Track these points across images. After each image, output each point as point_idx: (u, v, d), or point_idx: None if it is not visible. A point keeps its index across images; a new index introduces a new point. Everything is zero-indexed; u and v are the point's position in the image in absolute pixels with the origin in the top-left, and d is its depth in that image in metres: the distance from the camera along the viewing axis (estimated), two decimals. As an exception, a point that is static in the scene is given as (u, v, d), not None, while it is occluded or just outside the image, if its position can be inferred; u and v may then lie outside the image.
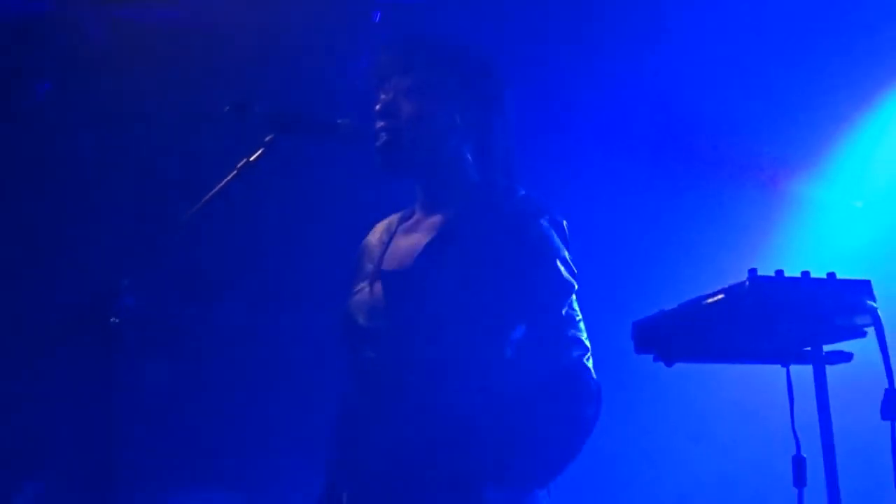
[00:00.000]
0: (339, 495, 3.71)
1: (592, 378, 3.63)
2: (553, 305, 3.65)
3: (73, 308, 3.94)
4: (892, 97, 6.84)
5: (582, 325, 3.70)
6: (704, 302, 3.45)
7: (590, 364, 3.65)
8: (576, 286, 3.69)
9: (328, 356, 4.00)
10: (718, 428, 6.22)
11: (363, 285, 3.80)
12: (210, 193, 3.86)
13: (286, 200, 6.08)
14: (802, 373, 3.48)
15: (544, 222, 3.71)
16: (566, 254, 3.71)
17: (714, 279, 3.51)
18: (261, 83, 5.97)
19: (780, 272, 3.41)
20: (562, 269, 3.68)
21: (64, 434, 5.71)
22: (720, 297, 3.42)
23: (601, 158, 6.77)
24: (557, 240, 3.70)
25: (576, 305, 3.70)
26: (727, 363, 3.73)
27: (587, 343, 3.68)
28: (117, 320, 3.88)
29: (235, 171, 3.91)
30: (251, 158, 3.91)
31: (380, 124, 3.80)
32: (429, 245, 3.71)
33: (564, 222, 3.76)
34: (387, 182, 3.91)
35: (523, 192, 3.79)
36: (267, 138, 3.93)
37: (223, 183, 3.91)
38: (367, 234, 3.99)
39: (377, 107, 3.83)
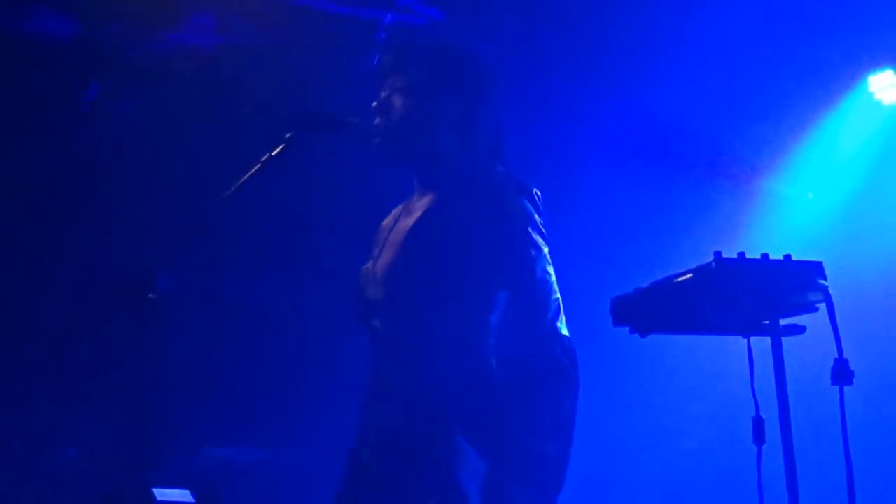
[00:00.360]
0: (361, 452, 3.72)
1: (566, 339, 3.57)
2: (529, 269, 3.58)
3: (117, 285, 3.94)
4: (842, 104, 6.83)
5: (554, 284, 3.62)
6: (675, 280, 3.47)
7: (562, 324, 3.59)
8: (546, 249, 3.64)
9: (347, 329, 3.99)
10: (687, 392, 6.22)
11: (369, 263, 3.81)
12: (237, 183, 3.86)
13: (307, 190, 6.07)
14: (762, 343, 3.49)
15: (518, 194, 3.67)
16: (538, 219, 3.67)
17: (684, 260, 3.52)
18: (280, 89, 5.95)
19: (741, 254, 3.42)
20: (534, 234, 3.62)
21: (107, 397, 5.71)
22: (689, 276, 3.44)
23: (595, 158, 6.77)
24: (530, 208, 3.66)
25: (549, 268, 3.64)
26: (695, 335, 3.75)
27: (559, 301, 3.60)
28: (154, 296, 3.89)
29: (259, 164, 3.91)
30: (273, 153, 3.92)
31: (375, 120, 3.81)
32: (415, 224, 3.70)
33: (538, 192, 3.73)
34: (392, 172, 3.91)
35: (501, 169, 3.78)
36: (287, 135, 3.94)
37: (249, 174, 3.90)
38: (383, 219, 3.99)
39: (374, 104, 3.84)
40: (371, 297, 3.72)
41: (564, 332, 3.58)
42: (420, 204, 3.78)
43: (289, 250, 6.49)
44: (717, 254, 3.40)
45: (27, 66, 6.03)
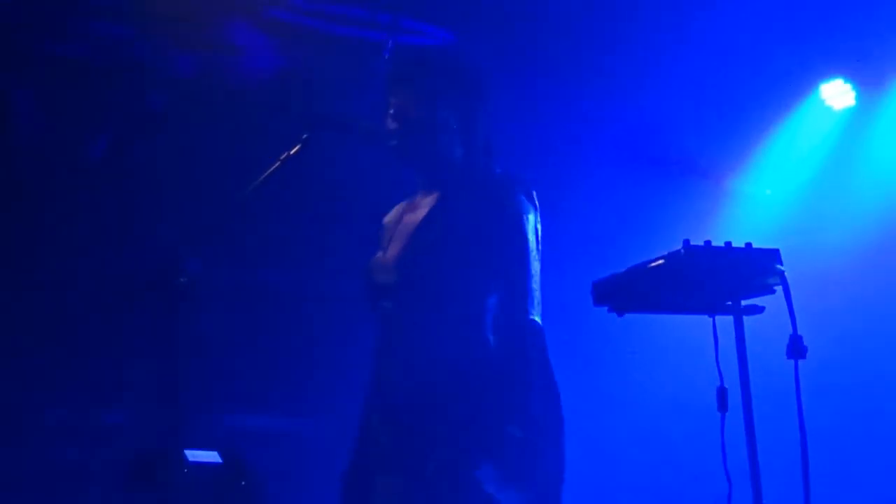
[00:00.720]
0: (371, 419, 3.73)
1: (538, 326, 3.56)
2: (520, 263, 3.60)
3: (150, 269, 3.93)
4: (797, 110, 6.84)
5: (538, 276, 3.63)
6: (648, 266, 3.48)
7: (537, 315, 3.57)
8: (537, 245, 3.64)
9: (358, 310, 4.00)
10: (659, 365, 6.24)
11: (380, 252, 3.82)
12: (260, 178, 3.87)
13: (321, 186, 6.05)
14: (726, 321, 3.50)
15: (517, 193, 3.67)
16: (532, 217, 3.68)
17: (658, 249, 3.52)
18: (297, 94, 5.96)
19: (707, 242, 3.43)
20: (528, 232, 3.63)
21: (147, 369, 5.70)
22: (661, 261, 3.45)
23: (582, 158, 6.78)
24: (527, 206, 3.66)
25: (536, 263, 3.64)
26: (665, 314, 3.75)
27: (538, 293, 3.61)
28: (184, 280, 3.89)
29: (279, 162, 3.91)
30: (291, 152, 3.92)
31: (391, 126, 3.81)
32: (423, 218, 3.72)
33: (534, 192, 3.75)
34: (398, 170, 3.91)
35: (500, 171, 3.79)
36: (304, 136, 3.94)
37: (270, 170, 3.91)
38: (386, 214, 4.00)
39: (390, 111, 3.83)
40: (382, 282, 3.73)
41: (538, 319, 3.57)
42: (426, 201, 3.78)
43: (306, 240, 6.48)
44: (686, 242, 3.41)
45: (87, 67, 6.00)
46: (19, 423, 6.12)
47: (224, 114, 6.04)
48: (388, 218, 3.93)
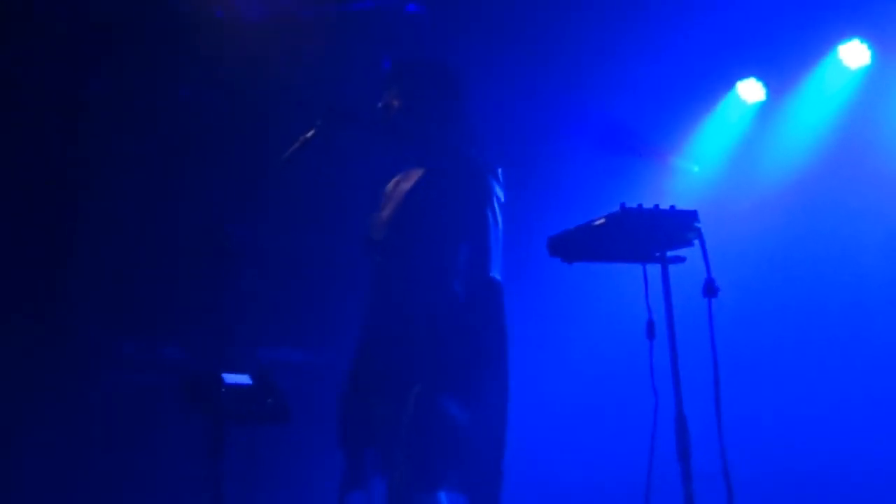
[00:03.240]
0: (366, 352, 3.75)
1: (497, 281, 3.63)
2: (483, 228, 3.66)
3: (198, 231, 3.93)
4: (718, 106, 6.80)
5: (499, 240, 3.69)
6: (593, 224, 3.47)
7: (497, 272, 3.64)
8: (499, 215, 3.70)
9: (361, 262, 4.00)
10: (600, 305, 6.25)
11: (377, 213, 3.83)
12: (284, 156, 3.88)
13: (331, 163, 6.02)
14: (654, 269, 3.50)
15: (485, 172, 3.73)
16: (497, 191, 3.73)
17: (600, 210, 3.52)
18: (311, 87, 5.92)
19: (640, 205, 3.43)
20: (494, 203, 3.70)
21: (197, 313, 5.71)
22: (602, 220, 3.45)
23: (548, 140, 6.75)
24: (493, 182, 3.72)
25: (497, 228, 3.70)
26: (605, 262, 3.74)
27: (498, 255, 3.67)
28: (228, 241, 3.89)
29: (298, 144, 3.92)
30: (308, 135, 3.93)
31: (385, 116, 3.84)
32: (410, 188, 3.77)
33: (500, 170, 3.77)
34: (394, 153, 3.93)
35: (474, 152, 3.80)
36: (317, 122, 3.94)
37: (292, 149, 3.92)
38: (387, 184, 4.01)
39: (379, 104, 3.86)
40: (375, 238, 3.74)
41: (495, 275, 3.63)
42: (414, 174, 3.82)
43: (320, 208, 6.45)
44: (622, 204, 3.41)
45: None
46: (98, 353, 6.13)
47: (254, 106, 6.01)
48: (388, 186, 3.94)
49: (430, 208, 3.67)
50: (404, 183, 3.83)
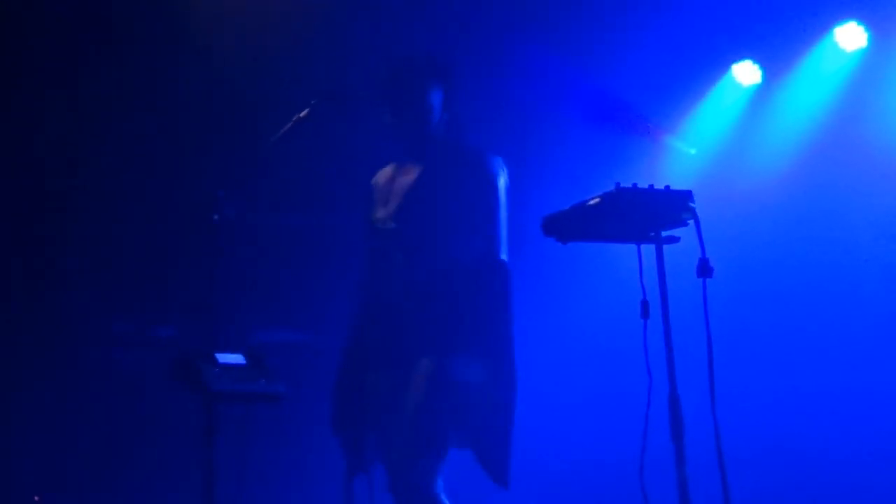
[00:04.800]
0: (363, 334, 3.77)
1: (506, 263, 3.70)
2: (493, 214, 3.73)
3: (190, 208, 3.93)
4: (715, 88, 6.80)
5: (506, 224, 3.74)
6: (588, 203, 3.46)
7: (504, 254, 3.71)
8: (504, 200, 3.75)
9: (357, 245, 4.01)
10: (595, 284, 6.25)
11: (380, 207, 3.86)
12: (276, 136, 3.87)
13: (325, 145, 6.00)
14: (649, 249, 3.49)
15: (490, 159, 3.80)
16: (502, 178, 3.79)
17: (594, 190, 3.50)
18: (307, 68, 5.90)
19: (635, 184, 3.41)
20: (500, 190, 3.76)
21: (188, 291, 5.70)
22: (597, 200, 3.43)
23: (548, 118, 6.74)
24: (499, 170, 3.79)
25: (503, 213, 3.75)
26: (600, 242, 3.74)
27: (505, 239, 3.73)
28: (218, 217, 3.89)
29: (291, 123, 3.91)
30: (301, 115, 3.94)
31: (388, 111, 3.86)
32: (415, 181, 3.82)
33: (501, 158, 3.82)
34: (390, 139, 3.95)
35: (472, 142, 3.86)
36: (312, 102, 3.94)
37: (284, 129, 3.91)
38: (374, 175, 4.02)
39: (388, 100, 3.88)
40: (384, 229, 3.81)
41: (504, 258, 3.70)
42: (415, 168, 3.86)
43: (313, 186, 6.44)
44: (617, 184, 3.40)
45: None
46: (86, 332, 6.13)
47: (247, 85, 5.99)
48: (378, 178, 3.99)
49: (438, 198, 3.75)
50: (406, 175, 3.87)
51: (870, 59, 6.20)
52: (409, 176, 3.84)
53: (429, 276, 3.67)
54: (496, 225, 3.70)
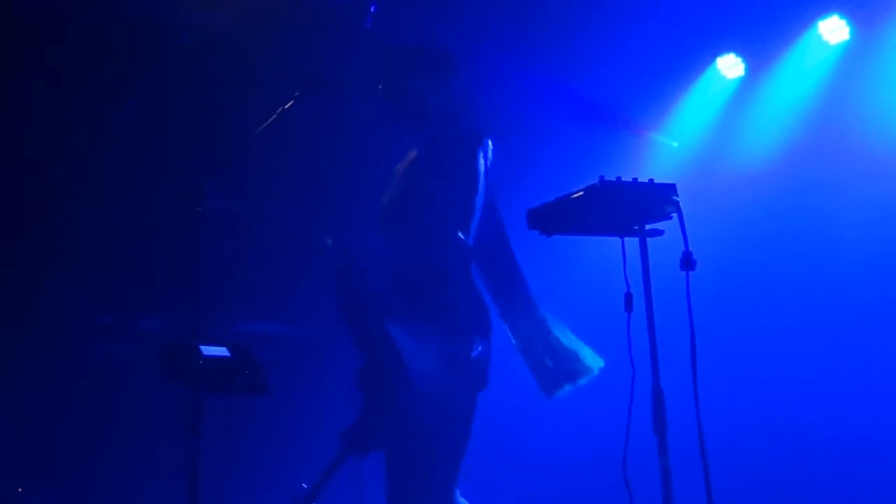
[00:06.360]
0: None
1: (464, 242, 3.75)
2: (472, 194, 3.75)
3: (175, 200, 3.91)
4: (698, 82, 6.82)
5: (478, 209, 3.78)
6: (571, 196, 3.46)
7: (467, 235, 3.75)
8: (482, 186, 3.78)
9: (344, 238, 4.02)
10: (578, 275, 6.26)
11: (385, 194, 3.96)
12: (260, 128, 3.86)
13: (312, 137, 5.98)
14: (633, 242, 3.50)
15: (474, 144, 3.81)
16: (482, 165, 3.79)
17: (578, 184, 3.50)
18: (292, 56, 5.89)
19: (619, 177, 3.42)
20: (480, 177, 3.78)
21: (172, 282, 5.68)
22: (581, 193, 3.43)
23: (537, 114, 6.75)
24: (480, 157, 3.80)
25: (478, 199, 3.78)
26: (584, 235, 3.74)
27: (475, 222, 3.78)
28: (200, 209, 3.88)
29: (275, 115, 3.91)
30: (286, 106, 3.92)
31: (383, 99, 3.90)
32: (407, 168, 3.93)
33: (490, 142, 3.83)
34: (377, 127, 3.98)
35: (464, 127, 3.88)
36: (296, 93, 3.93)
37: (269, 121, 3.90)
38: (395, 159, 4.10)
39: (381, 88, 3.91)
40: (379, 213, 3.91)
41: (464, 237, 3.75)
42: (412, 154, 3.97)
43: (298, 179, 6.43)
44: (601, 177, 3.39)
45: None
46: (70, 324, 6.11)
47: (232, 75, 5.97)
48: (399, 165, 4.08)
49: (422, 185, 3.80)
50: (401, 164, 3.99)
51: (853, 53, 6.23)
52: (404, 164, 3.95)
53: (408, 258, 3.74)
54: (471, 211, 3.74)
